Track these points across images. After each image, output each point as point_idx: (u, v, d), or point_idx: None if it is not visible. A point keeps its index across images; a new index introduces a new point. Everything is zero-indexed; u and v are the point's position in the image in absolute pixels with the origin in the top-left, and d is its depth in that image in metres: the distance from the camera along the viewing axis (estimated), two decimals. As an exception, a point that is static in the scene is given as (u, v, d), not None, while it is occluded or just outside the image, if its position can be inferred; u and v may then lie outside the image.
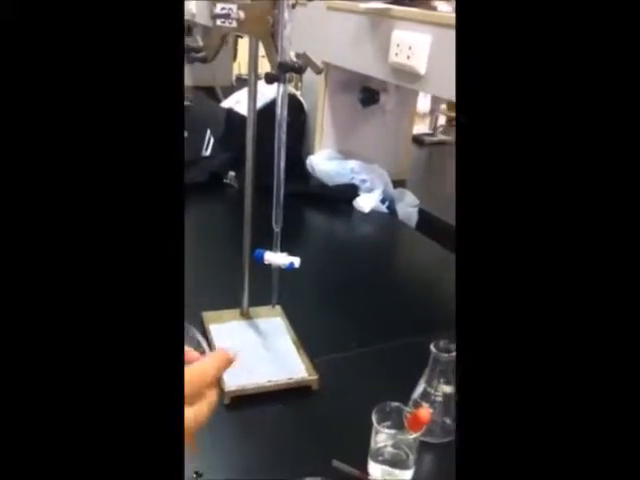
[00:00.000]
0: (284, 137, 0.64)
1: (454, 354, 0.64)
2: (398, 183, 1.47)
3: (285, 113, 0.63)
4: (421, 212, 1.39)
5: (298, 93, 1.50)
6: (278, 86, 0.62)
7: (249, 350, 0.78)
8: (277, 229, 0.67)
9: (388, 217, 1.36)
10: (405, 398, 0.68)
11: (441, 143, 1.97)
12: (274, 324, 0.84)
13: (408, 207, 1.38)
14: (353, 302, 0.99)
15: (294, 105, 1.42)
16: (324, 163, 1.38)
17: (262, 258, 0.69)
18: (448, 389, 0.65)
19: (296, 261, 0.69)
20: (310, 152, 1.44)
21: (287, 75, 0.61)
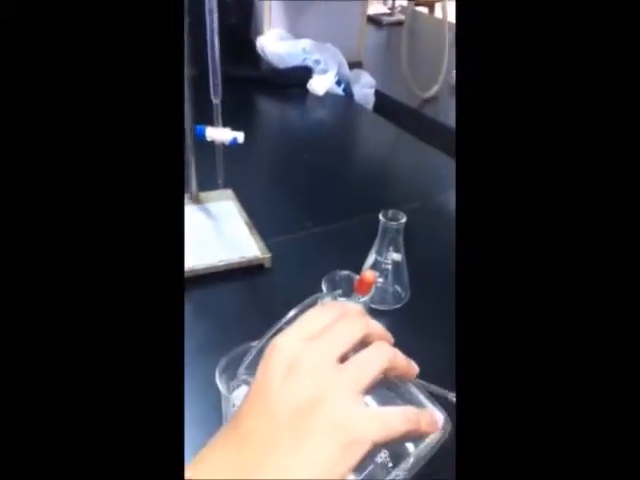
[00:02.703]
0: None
1: (402, 222, 0.63)
2: (354, 65, 1.41)
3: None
4: (378, 94, 1.35)
5: (243, -33, 1.38)
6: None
7: (200, 234, 0.76)
8: (216, 101, 0.63)
9: (344, 100, 1.31)
10: (358, 271, 0.68)
11: (399, 23, 1.87)
12: (226, 207, 0.82)
13: (364, 89, 1.33)
14: (308, 184, 0.97)
15: (238, -20, 1.31)
16: (274, 44, 1.30)
17: (204, 134, 0.66)
18: (397, 257, 0.65)
19: (240, 136, 0.66)
20: (260, 33, 1.35)
21: None
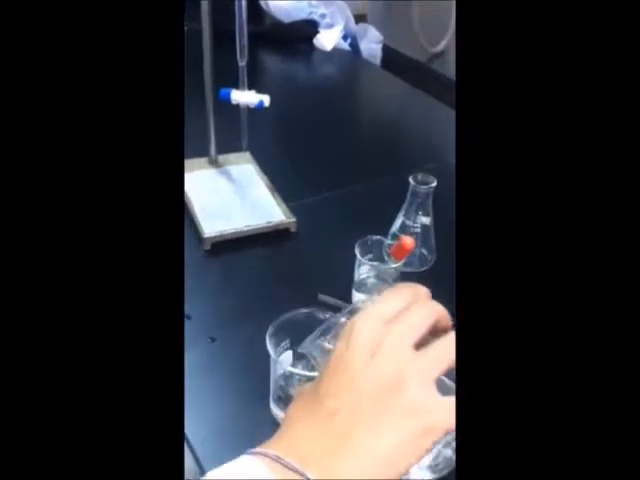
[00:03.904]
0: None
1: (433, 185, 0.64)
2: (358, 18, 1.37)
3: None
4: (385, 48, 1.32)
5: None
6: None
7: (223, 198, 0.76)
8: (242, 63, 0.62)
9: (351, 55, 1.29)
10: (382, 234, 0.68)
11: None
12: (245, 171, 0.82)
13: (372, 44, 1.30)
14: (319, 145, 0.96)
15: None
16: (279, -3, 1.26)
17: (228, 97, 0.65)
18: (426, 220, 0.66)
19: (266, 99, 0.65)
20: (262, -15, 1.31)
21: None
